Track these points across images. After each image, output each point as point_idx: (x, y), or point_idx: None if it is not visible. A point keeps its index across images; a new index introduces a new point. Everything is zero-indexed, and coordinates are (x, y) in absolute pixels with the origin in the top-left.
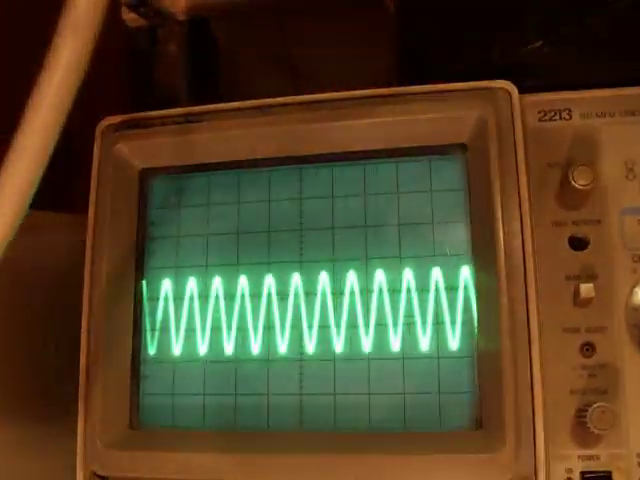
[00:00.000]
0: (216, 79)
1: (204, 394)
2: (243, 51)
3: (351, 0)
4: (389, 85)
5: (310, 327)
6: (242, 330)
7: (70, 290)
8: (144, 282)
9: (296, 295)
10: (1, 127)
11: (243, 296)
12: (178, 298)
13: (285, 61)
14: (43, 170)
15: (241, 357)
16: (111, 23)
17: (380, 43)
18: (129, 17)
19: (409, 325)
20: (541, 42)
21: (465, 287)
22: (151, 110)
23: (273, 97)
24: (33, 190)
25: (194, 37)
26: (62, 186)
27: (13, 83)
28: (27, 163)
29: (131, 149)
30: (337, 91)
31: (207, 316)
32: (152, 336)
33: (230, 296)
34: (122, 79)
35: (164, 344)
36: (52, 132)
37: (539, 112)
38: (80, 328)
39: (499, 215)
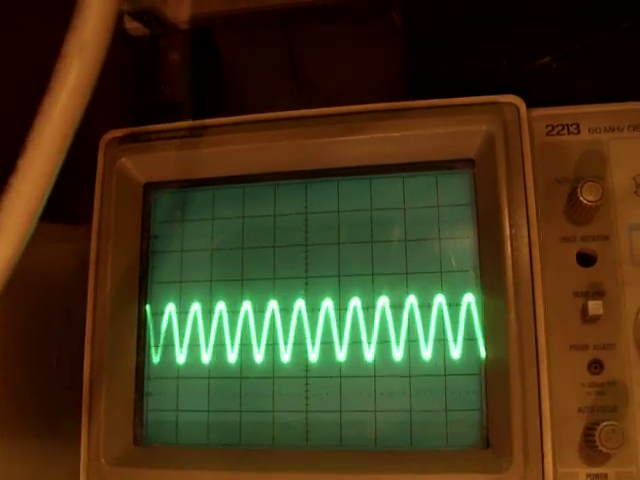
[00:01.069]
0: (219, 88)
1: (208, 411)
2: (246, 60)
3: (356, 11)
4: (395, 98)
5: (314, 344)
6: (246, 346)
7: (71, 302)
8: (148, 297)
9: (300, 311)
10: (7, 151)
11: (247, 311)
12: (182, 313)
13: (288, 71)
14: (49, 192)
15: (245, 373)
16: (113, 32)
17: (385, 54)
18: (132, 26)
19: (415, 342)
20: (549, 57)
21: (471, 304)
22: (153, 120)
23: (276, 106)
24: (39, 211)
25: (197, 46)
26: (63, 197)
27: (18, 104)
28: (32, 187)
29: (135, 163)
30: (341, 103)
31: (211, 331)
32: (156, 352)
33: (234, 311)
34: (124, 88)
35: (168, 360)
36: (57, 156)
37: (547, 126)
38: (82, 342)
39: (507, 230)
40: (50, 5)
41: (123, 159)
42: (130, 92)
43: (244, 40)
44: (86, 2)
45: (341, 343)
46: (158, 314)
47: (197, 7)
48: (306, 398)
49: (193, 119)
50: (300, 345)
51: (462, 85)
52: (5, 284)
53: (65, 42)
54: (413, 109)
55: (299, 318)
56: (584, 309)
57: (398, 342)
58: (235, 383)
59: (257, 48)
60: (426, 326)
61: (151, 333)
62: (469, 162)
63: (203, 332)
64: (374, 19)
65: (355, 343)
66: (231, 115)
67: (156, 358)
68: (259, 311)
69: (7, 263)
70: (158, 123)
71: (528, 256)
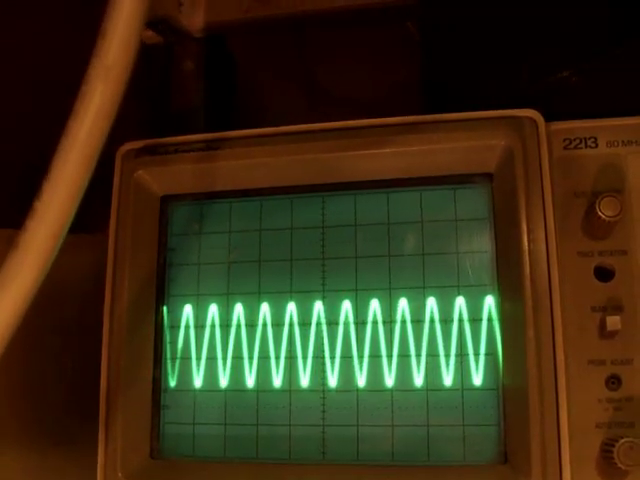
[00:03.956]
0: (233, 97)
1: (225, 424)
2: (260, 68)
3: (372, 20)
4: (410, 108)
5: (332, 357)
6: (264, 359)
7: (86, 312)
8: (165, 309)
9: (318, 324)
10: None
11: (265, 325)
12: (199, 326)
13: (302, 79)
14: (73, 216)
15: (262, 387)
16: None
17: (400, 63)
18: (146, 34)
19: (432, 356)
20: (569, 72)
21: (489, 318)
22: (167, 129)
23: (290, 115)
24: (63, 235)
25: (211, 54)
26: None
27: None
28: (57, 212)
29: (152, 176)
30: (355, 111)
31: (228, 345)
32: (173, 365)
33: (251, 325)
34: (138, 97)
35: (185, 373)
36: (82, 180)
37: (564, 140)
38: (97, 350)
39: (525, 245)
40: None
41: (140, 171)
42: (144, 100)
43: (258, 48)
44: (111, 26)
45: (360, 357)
46: (175, 327)
47: (211, 15)
48: (323, 412)
49: (207, 128)
50: (318, 359)
51: (478, 97)
52: (29, 303)
53: (90, 65)
54: (431, 123)
55: (317, 332)
56: (602, 324)
57: (418, 356)
58: (252, 396)
59: (271, 56)
60: (445, 341)
61: (168, 346)
62: (487, 176)
63: (220, 345)
64: (390, 29)
65: (373, 357)
66: (245, 124)
67: (173, 371)
68: (276, 325)
69: (32, 285)
70: (172, 132)
71: (546, 271)
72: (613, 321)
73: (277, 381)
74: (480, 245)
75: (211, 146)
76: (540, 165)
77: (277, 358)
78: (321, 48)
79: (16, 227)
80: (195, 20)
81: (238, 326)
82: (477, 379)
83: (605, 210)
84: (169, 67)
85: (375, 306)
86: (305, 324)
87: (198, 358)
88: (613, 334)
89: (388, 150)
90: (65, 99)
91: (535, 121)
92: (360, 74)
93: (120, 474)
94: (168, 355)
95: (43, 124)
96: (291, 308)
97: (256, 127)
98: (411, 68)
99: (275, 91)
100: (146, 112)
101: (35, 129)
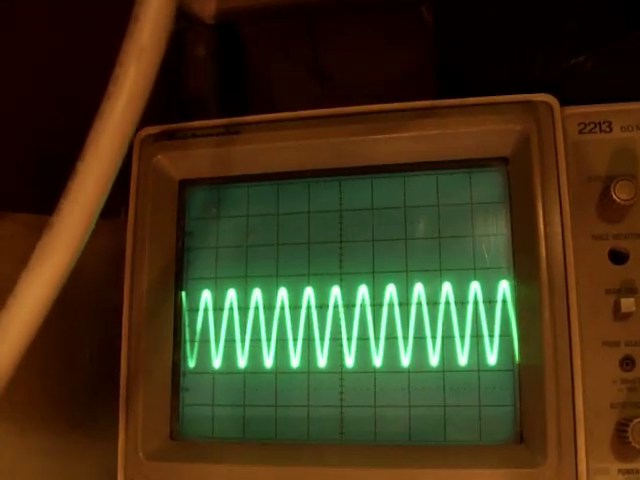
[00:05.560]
0: (244, 83)
1: (244, 405)
2: (271, 55)
3: (384, 5)
4: (422, 94)
5: (349, 339)
6: (282, 341)
7: (103, 297)
8: (183, 293)
9: (335, 307)
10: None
11: (283, 308)
12: (217, 309)
13: (313, 65)
14: (106, 196)
15: (281, 368)
16: None
17: (413, 49)
18: None
19: (448, 338)
20: (584, 57)
21: (504, 300)
22: (179, 115)
23: (300, 101)
24: (97, 214)
25: (222, 41)
26: None
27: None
28: (91, 192)
29: (171, 160)
30: (365, 98)
31: (247, 327)
32: (192, 347)
33: (270, 307)
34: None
35: (204, 355)
36: (115, 161)
37: (579, 124)
38: (114, 337)
39: (541, 228)
40: None
41: (159, 156)
42: (156, 86)
43: (269, 34)
44: (144, 8)
45: (376, 339)
46: (194, 310)
47: (223, 1)
48: (341, 393)
49: (218, 113)
50: (335, 340)
51: (493, 82)
52: (62, 284)
53: (123, 48)
54: (448, 107)
55: (335, 314)
56: (616, 306)
57: (433, 338)
58: (270, 378)
59: (282, 42)
60: (461, 322)
61: (187, 329)
62: (503, 160)
63: (239, 328)
64: (402, 14)
65: (390, 339)
66: (255, 111)
67: (192, 354)
68: (294, 307)
69: (65, 266)
70: (184, 117)
71: (562, 254)
72: (627, 303)
73: (295, 362)
74: (496, 228)
75: (229, 131)
76: (555, 149)
77: (295, 340)
78: (332, 34)
79: (32, 211)
80: (207, 6)
81: (256, 309)
82: (492, 360)
83: (620, 194)
84: (181, 53)
85: (391, 289)
86: (322, 306)
87: (217, 341)
88: (627, 316)
89: (405, 134)
90: (81, 87)
91: (550, 105)
92: (371, 60)
93: (141, 454)
94: (187, 338)
95: (58, 111)
96: (309, 291)
97: (266, 113)
98: (423, 53)
99: (285, 77)
100: (157, 98)
101: (50, 115)
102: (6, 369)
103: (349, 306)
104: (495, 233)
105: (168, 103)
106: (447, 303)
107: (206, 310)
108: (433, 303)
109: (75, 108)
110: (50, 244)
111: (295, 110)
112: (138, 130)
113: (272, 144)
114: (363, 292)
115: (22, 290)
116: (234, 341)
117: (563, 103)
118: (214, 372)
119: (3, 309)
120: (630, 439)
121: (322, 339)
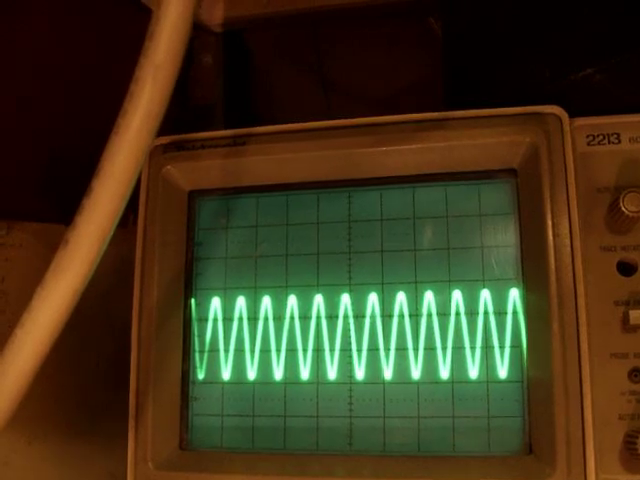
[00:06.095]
0: (250, 90)
1: (253, 415)
2: (277, 63)
3: (392, 15)
4: (429, 104)
5: (359, 350)
6: (291, 352)
7: (111, 305)
8: (193, 303)
9: (345, 318)
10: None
11: (292, 318)
12: (227, 319)
13: (319, 73)
14: (121, 214)
15: (290, 379)
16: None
17: (421, 59)
18: None
19: (459, 349)
20: (593, 69)
21: (514, 311)
22: (187, 123)
23: (306, 109)
24: (111, 233)
25: (229, 49)
26: None
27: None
28: (105, 210)
29: (180, 171)
30: (371, 107)
31: (256, 338)
32: (201, 357)
33: (279, 318)
34: None
35: (213, 366)
36: (130, 178)
37: (587, 136)
38: (123, 345)
39: (550, 239)
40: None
41: (168, 167)
42: None
43: (276, 43)
44: (160, 25)
45: (386, 350)
46: (203, 320)
47: (230, 10)
48: (350, 404)
49: (225, 121)
50: (345, 351)
51: (501, 94)
52: (78, 299)
53: (138, 65)
54: (456, 119)
55: (344, 325)
56: (625, 318)
57: (444, 349)
58: (280, 388)
59: (288, 51)
60: (471, 333)
61: (196, 339)
62: (512, 172)
63: (248, 338)
64: (408, 24)
65: (400, 350)
66: (262, 117)
67: (201, 364)
68: (304, 318)
69: (81, 283)
70: (190, 126)
71: (571, 265)
72: (636, 315)
73: (305, 373)
74: (505, 239)
75: (238, 142)
76: (564, 161)
77: (305, 351)
78: (337, 43)
79: (41, 220)
80: (214, 15)
81: (266, 319)
82: (502, 371)
83: (628, 205)
84: (188, 61)
85: (401, 299)
86: (332, 317)
87: (226, 351)
88: (636, 328)
89: (414, 146)
90: (89, 97)
91: (559, 117)
92: (377, 69)
93: (150, 464)
94: (196, 348)
95: (67, 119)
96: (318, 301)
97: (272, 122)
98: (430, 63)
99: (291, 85)
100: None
101: (59, 123)
102: (19, 390)
103: (359, 317)
104: (504, 244)
105: (176, 110)
106: (457, 314)
107: (215, 320)
108: (443, 314)
109: (86, 120)
110: (65, 262)
111: (300, 117)
112: None
113: (281, 155)
114: (373, 302)
115: (36, 306)
116: (244, 351)
117: (572, 115)
118: (223, 382)
119: (18, 325)
120: (639, 450)
121: (332, 350)
